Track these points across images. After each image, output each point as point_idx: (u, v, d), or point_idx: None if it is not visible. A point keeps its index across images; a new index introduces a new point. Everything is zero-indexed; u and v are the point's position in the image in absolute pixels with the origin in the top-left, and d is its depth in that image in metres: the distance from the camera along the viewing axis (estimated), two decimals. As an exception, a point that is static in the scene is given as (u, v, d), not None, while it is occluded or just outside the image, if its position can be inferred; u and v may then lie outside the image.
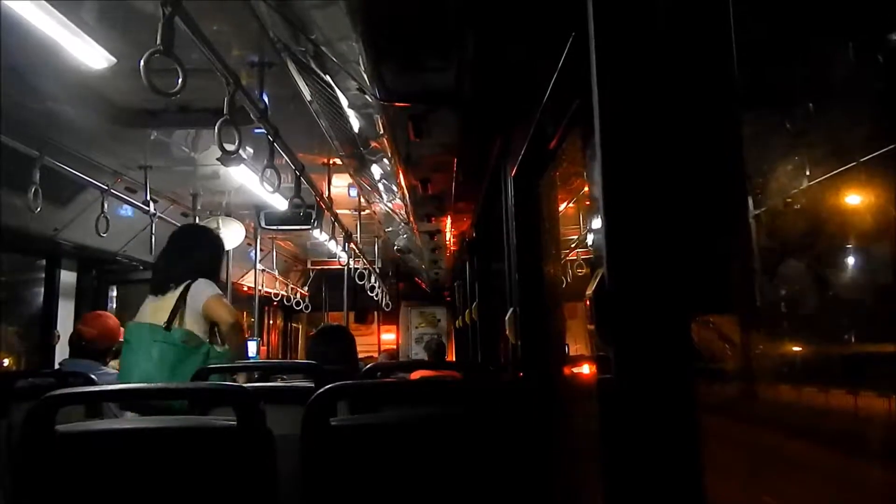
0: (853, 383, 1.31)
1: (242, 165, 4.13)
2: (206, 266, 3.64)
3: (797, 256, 1.50)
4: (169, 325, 3.37)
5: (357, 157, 4.13)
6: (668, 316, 1.25)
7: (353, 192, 6.21)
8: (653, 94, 1.27)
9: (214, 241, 3.89)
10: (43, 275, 5.76)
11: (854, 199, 1.35)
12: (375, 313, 13.97)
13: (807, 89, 1.40)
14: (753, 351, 1.61)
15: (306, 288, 11.73)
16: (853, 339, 1.31)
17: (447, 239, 6.79)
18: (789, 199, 1.46)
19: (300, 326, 14.22)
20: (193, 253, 3.65)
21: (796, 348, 1.55)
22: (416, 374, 4.59)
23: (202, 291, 3.49)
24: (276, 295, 10.11)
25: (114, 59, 2.95)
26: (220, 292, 3.62)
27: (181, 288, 3.48)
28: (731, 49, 1.26)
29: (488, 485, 2.03)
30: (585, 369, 2.65)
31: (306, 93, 3.22)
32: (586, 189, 1.53)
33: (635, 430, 1.26)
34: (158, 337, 3.32)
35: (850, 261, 1.37)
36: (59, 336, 5.55)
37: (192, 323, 3.43)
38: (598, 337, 1.35)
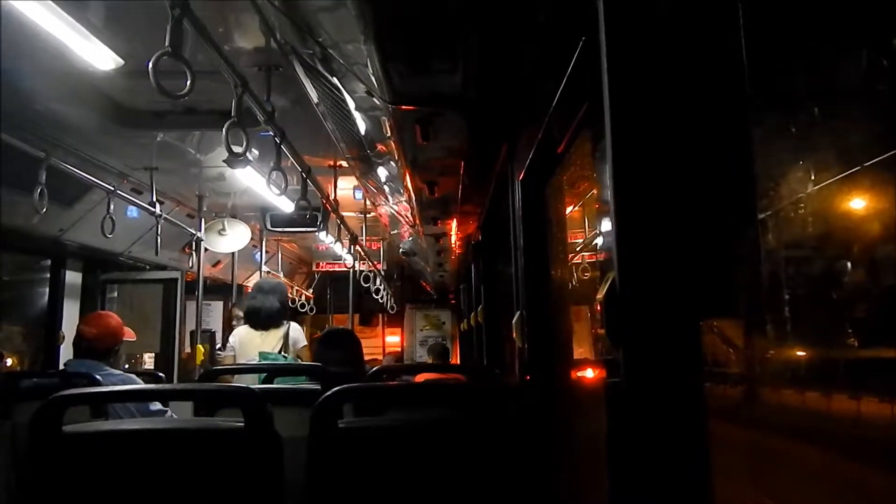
0: (858, 388, 1.31)
1: (249, 167, 4.14)
2: (286, 309, 5.40)
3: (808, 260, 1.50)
4: (281, 351, 5.12)
5: (363, 160, 4.13)
6: (677, 319, 1.24)
7: (359, 195, 6.21)
8: (663, 98, 1.27)
9: (286, 291, 5.67)
10: (48, 275, 5.77)
11: (860, 202, 1.35)
12: (380, 316, 13.98)
13: (815, 91, 1.40)
14: (761, 355, 1.61)
15: (311, 290, 11.74)
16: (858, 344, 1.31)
17: (453, 242, 6.79)
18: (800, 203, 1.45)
19: (305, 328, 14.21)
20: (272, 303, 5.21)
21: (801, 353, 1.55)
22: (421, 377, 4.58)
23: (299, 340, 5.32)
24: (282, 296, 10.09)
25: (121, 61, 2.95)
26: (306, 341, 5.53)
27: (282, 328, 5.22)
28: (741, 53, 1.26)
29: (494, 488, 2.03)
30: (590, 373, 2.64)
31: (313, 95, 3.22)
32: (594, 192, 1.53)
33: (643, 433, 1.26)
34: (280, 359, 4.93)
35: (858, 265, 1.36)
36: (63, 336, 5.56)
37: (290, 351, 5.20)
38: (608, 340, 1.35)
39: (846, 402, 1.33)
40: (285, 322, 5.31)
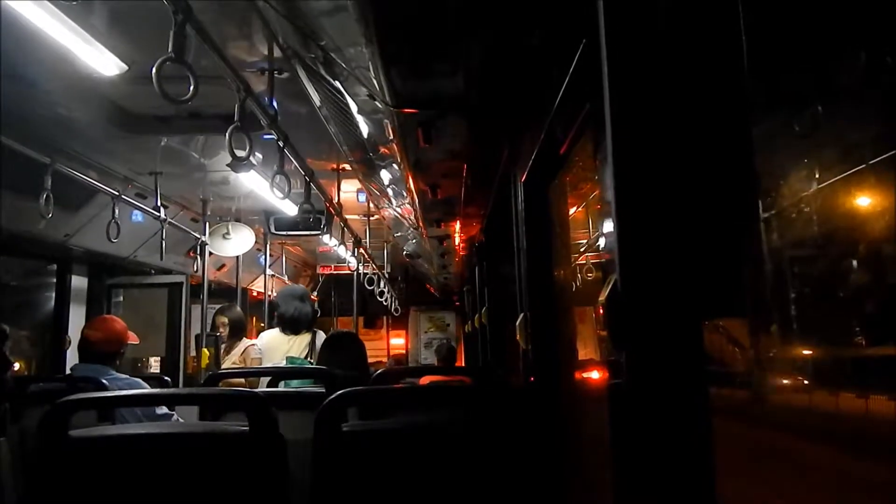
0: (866, 386, 1.31)
1: (252, 171, 4.15)
2: (314, 317, 5.53)
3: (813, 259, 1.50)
4: (307, 357, 5.21)
5: (366, 163, 4.13)
6: (680, 320, 1.24)
7: (362, 198, 6.22)
8: (664, 99, 1.27)
9: (312, 300, 5.89)
10: (54, 280, 5.79)
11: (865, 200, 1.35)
12: (385, 318, 13.98)
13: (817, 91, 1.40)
14: (765, 354, 1.61)
15: (315, 293, 11.74)
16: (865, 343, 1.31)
17: (456, 244, 6.79)
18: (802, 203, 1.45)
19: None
20: (307, 309, 5.41)
21: (806, 352, 1.55)
22: (425, 380, 4.59)
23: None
24: (286, 300, 10.07)
25: (125, 66, 2.96)
26: None
27: (310, 334, 5.35)
28: (742, 53, 1.26)
29: (499, 490, 2.03)
30: (595, 374, 2.64)
31: (316, 99, 3.23)
32: (597, 193, 1.53)
33: (647, 434, 1.26)
34: (307, 364, 5.01)
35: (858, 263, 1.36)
36: (69, 341, 5.58)
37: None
38: (611, 341, 1.35)
39: (854, 401, 1.33)
40: (313, 328, 5.49)
